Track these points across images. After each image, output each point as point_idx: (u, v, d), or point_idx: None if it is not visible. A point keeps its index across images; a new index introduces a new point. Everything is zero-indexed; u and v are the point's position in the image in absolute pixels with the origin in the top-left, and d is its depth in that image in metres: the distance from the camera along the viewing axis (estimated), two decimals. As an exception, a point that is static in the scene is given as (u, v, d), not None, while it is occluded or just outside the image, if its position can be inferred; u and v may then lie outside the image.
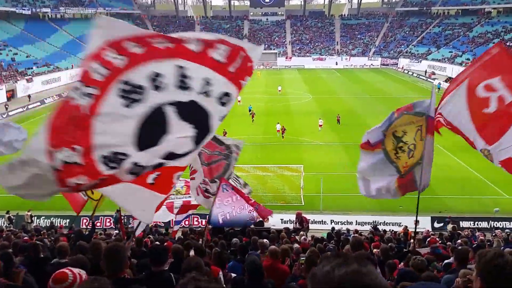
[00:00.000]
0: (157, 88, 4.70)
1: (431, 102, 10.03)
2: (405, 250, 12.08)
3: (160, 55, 4.71)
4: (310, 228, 21.12)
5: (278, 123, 42.16)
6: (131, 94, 4.62)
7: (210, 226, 18.32)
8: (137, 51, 4.61)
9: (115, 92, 4.57)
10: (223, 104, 5.18)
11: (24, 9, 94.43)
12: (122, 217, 20.13)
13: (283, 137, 40.33)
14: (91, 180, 4.59)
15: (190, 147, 5.09)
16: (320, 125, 41.18)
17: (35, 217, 24.98)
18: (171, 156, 5.00)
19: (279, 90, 67.02)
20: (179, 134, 4.91)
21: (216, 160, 12.30)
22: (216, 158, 12.22)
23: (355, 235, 15.69)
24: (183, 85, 4.81)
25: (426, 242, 14.94)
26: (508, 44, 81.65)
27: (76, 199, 14.02)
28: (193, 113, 4.97)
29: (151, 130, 4.77)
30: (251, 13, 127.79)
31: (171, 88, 4.77)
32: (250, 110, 48.13)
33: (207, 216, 13.01)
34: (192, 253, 8.91)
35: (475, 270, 3.11)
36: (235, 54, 5.09)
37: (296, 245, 12.89)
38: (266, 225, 20.97)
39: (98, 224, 24.94)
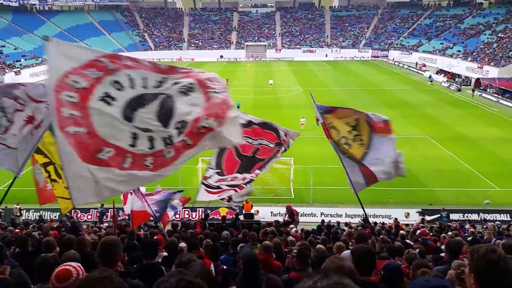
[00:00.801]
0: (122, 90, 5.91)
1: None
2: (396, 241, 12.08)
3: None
4: (300, 220, 21.17)
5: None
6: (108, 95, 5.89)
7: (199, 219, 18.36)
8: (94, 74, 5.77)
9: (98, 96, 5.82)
10: (182, 93, 6.04)
11: (11, 1, 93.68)
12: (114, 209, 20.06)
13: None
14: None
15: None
16: (302, 124, 40.59)
17: (24, 210, 24.77)
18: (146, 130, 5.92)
19: (271, 84, 65.74)
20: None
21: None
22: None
23: (359, 228, 15.75)
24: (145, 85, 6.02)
25: (417, 234, 14.96)
26: (499, 35, 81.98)
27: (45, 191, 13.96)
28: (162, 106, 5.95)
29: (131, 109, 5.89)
30: (241, 5, 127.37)
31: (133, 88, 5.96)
32: (238, 107, 46.58)
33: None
34: (182, 244, 8.87)
35: (468, 266, 3.10)
36: None
37: (290, 237, 12.91)
38: (256, 217, 21.03)
39: (90, 216, 24.93)
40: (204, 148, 6.44)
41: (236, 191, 11.39)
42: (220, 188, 10.92)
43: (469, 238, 11.99)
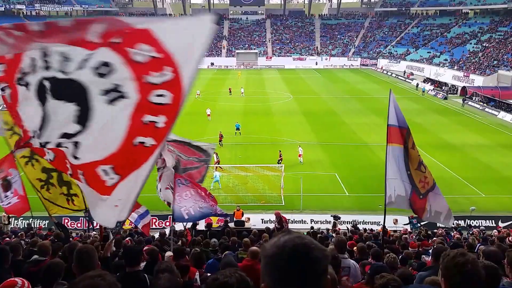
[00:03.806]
0: (35, 71, 4.95)
1: (389, 109, 10.11)
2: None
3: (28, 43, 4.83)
4: (290, 227, 21.28)
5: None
6: (21, 80, 5.07)
7: (189, 226, 18.40)
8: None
9: (17, 82, 5.08)
10: (101, 75, 4.62)
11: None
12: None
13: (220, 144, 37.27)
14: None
15: (77, 127, 4.89)
16: (300, 155, 34.26)
17: (13, 218, 24.60)
18: (66, 135, 5.00)
19: (242, 92, 65.14)
20: (60, 113, 4.95)
21: (196, 167, 12.53)
22: (196, 164, 12.43)
23: (338, 235, 15.84)
24: (63, 69, 4.78)
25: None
26: (484, 45, 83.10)
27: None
28: (68, 90, 4.82)
29: (34, 109, 5.08)
30: (231, 12, 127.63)
31: (49, 70, 4.87)
32: (238, 129, 42.22)
33: (170, 215, 13.22)
34: (168, 254, 8.94)
35: (440, 271, 3.18)
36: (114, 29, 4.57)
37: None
38: (246, 225, 21.14)
39: (79, 224, 24.78)
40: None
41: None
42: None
43: (451, 244, 12.19)
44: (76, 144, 4.98)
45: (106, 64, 4.58)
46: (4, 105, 5.40)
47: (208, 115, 48.33)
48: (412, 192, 10.04)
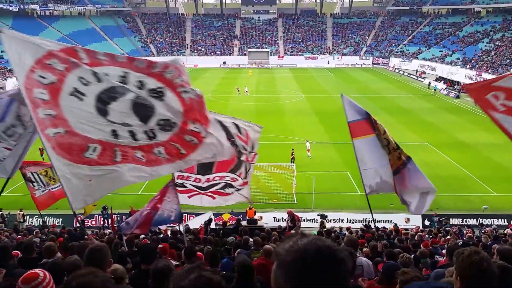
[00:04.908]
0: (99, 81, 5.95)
1: (345, 109, 10.40)
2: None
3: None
4: (302, 226, 21.36)
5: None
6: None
7: (202, 225, 18.51)
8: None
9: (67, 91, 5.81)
10: (158, 98, 6.16)
11: (11, 5, 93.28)
12: (114, 215, 20.26)
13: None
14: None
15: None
16: (308, 150, 35.62)
17: (28, 216, 24.93)
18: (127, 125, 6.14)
19: (246, 91, 64.92)
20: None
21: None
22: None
23: (348, 234, 15.89)
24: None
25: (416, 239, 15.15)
26: (496, 43, 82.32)
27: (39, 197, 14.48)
28: (140, 108, 6.09)
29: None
30: (243, 11, 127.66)
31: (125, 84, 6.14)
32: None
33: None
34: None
35: (455, 269, 3.22)
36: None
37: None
38: (259, 223, 21.23)
39: (94, 222, 24.98)
40: (198, 160, 6.59)
41: (213, 197, 11.21)
42: (185, 186, 10.98)
43: (460, 242, 12.14)
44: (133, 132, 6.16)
45: (160, 91, 6.24)
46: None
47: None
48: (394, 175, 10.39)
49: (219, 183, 10.87)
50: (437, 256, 11.29)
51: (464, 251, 3.16)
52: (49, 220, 24.98)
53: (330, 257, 1.79)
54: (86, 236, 14.56)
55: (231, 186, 10.89)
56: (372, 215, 12.29)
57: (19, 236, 15.30)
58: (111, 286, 2.83)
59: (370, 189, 10.46)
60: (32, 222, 24.83)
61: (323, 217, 23.21)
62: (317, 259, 1.77)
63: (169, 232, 16.45)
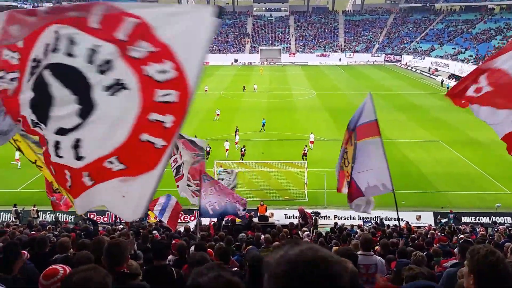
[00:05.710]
0: (46, 55, 4.92)
1: (363, 109, 10.82)
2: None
3: (46, 23, 4.87)
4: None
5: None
6: (35, 69, 5.03)
7: (214, 221, 18.60)
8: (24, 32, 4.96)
9: (28, 71, 5.06)
10: (102, 72, 4.70)
11: (26, 4, 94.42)
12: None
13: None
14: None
15: (77, 121, 4.90)
16: (312, 142, 36.63)
17: (41, 212, 25.18)
18: (61, 131, 5.02)
19: (255, 89, 65.23)
20: (63, 107, 4.93)
21: (197, 161, 13.15)
22: (196, 158, 13.08)
23: (363, 232, 15.87)
24: (69, 51, 4.78)
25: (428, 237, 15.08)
26: (510, 40, 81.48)
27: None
28: (73, 80, 4.84)
29: (41, 100, 5.03)
30: (255, 9, 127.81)
31: (56, 53, 4.84)
32: (263, 125, 42.77)
33: (195, 210, 13.83)
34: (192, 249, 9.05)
35: (467, 267, 3.20)
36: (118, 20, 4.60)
37: (306, 239, 13.11)
38: (270, 220, 21.23)
39: (106, 218, 25.14)
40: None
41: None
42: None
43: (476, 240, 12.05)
44: (77, 142, 4.97)
45: (108, 61, 4.64)
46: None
47: (217, 115, 46.87)
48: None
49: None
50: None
51: (480, 250, 3.13)
52: (61, 217, 25.21)
53: (322, 271, 1.60)
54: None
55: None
56: (397, 212, 12.23)
57: (32, 232, 15.48)
58: (110, 281, 2.87)
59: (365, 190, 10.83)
60: (45, 218, 25.09)
61: (317, 214, 23.15)
62: (308, 273, 1.59)
63: (181, 229, 16.57)
